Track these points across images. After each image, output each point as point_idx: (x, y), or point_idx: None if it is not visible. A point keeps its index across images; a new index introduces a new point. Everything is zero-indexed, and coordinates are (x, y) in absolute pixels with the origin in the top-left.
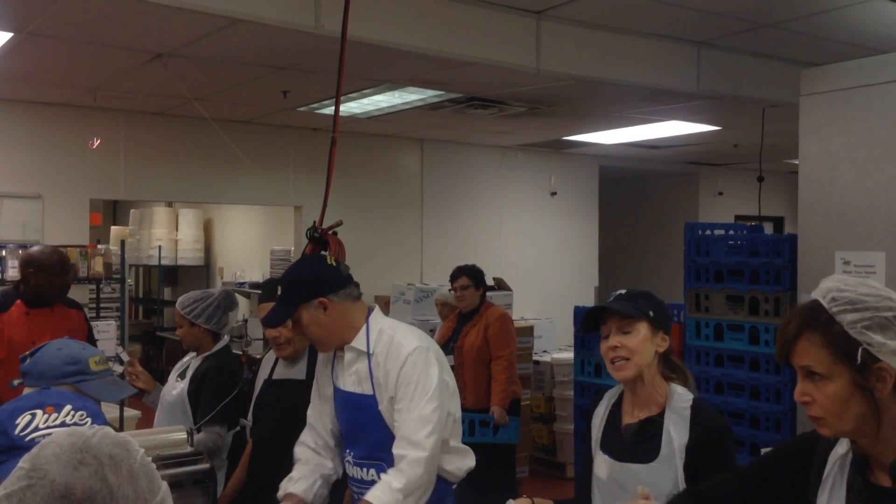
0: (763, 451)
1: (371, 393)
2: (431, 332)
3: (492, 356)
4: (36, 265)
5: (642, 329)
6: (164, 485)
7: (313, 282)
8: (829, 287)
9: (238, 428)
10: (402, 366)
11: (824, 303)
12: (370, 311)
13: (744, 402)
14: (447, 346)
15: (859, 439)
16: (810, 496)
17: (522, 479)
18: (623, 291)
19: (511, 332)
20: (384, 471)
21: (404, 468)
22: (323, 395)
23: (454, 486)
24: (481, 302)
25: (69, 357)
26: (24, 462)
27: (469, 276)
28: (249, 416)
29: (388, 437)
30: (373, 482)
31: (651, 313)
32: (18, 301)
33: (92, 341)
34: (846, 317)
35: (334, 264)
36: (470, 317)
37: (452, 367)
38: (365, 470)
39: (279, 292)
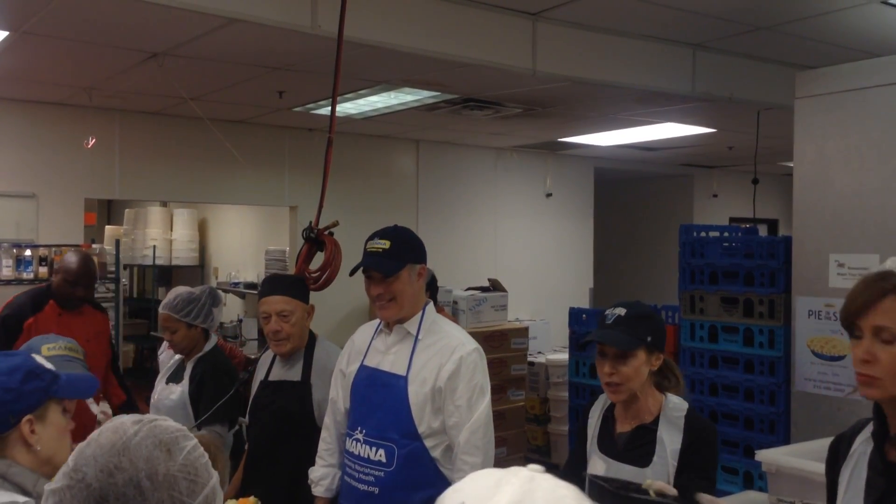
0: (756, 452)
1: (404, 374)
2: None
3: None
4: (63, 271)
5: (640, 355)
6: (213, 478)
7: (422, 248)
8: None
9: (238, 427)
10: (461, 363)
11: None
12: (426, 303)
13: (738, 403)
14: None
15: None
16: (833, 475)
17: None
18: (622, 313)
19: None
20: (393, 454)
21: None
22: (347, 371)
23: None
24: None
25: (23, 346)
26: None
27: None
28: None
29: (404, 420)
30: (379, 463)
31: (649, 338)
32: (52, 301)
33: (115, 345)
34: None
35: None
36: None
37: None
38: (374, 450)
39: (388, 246)
